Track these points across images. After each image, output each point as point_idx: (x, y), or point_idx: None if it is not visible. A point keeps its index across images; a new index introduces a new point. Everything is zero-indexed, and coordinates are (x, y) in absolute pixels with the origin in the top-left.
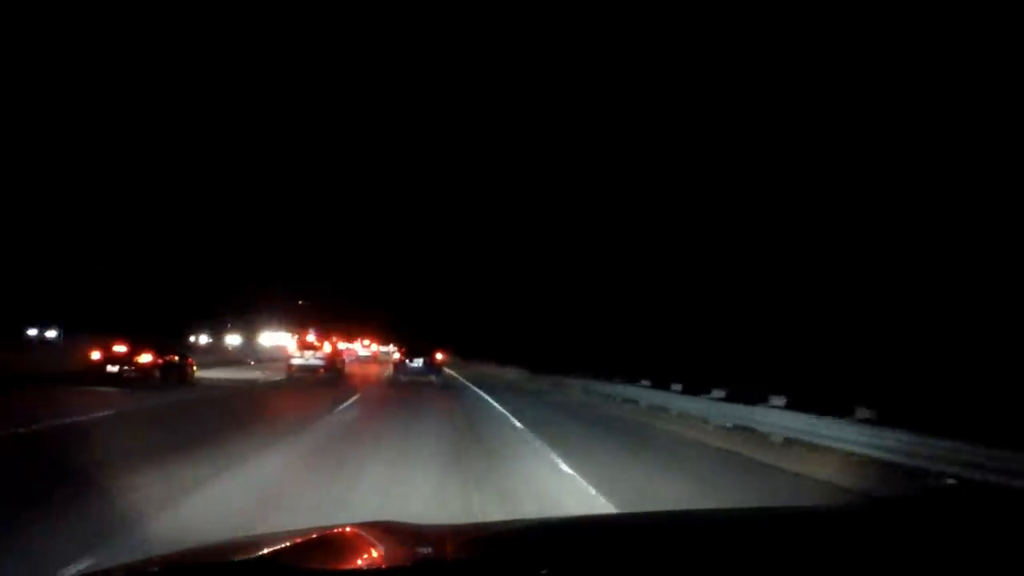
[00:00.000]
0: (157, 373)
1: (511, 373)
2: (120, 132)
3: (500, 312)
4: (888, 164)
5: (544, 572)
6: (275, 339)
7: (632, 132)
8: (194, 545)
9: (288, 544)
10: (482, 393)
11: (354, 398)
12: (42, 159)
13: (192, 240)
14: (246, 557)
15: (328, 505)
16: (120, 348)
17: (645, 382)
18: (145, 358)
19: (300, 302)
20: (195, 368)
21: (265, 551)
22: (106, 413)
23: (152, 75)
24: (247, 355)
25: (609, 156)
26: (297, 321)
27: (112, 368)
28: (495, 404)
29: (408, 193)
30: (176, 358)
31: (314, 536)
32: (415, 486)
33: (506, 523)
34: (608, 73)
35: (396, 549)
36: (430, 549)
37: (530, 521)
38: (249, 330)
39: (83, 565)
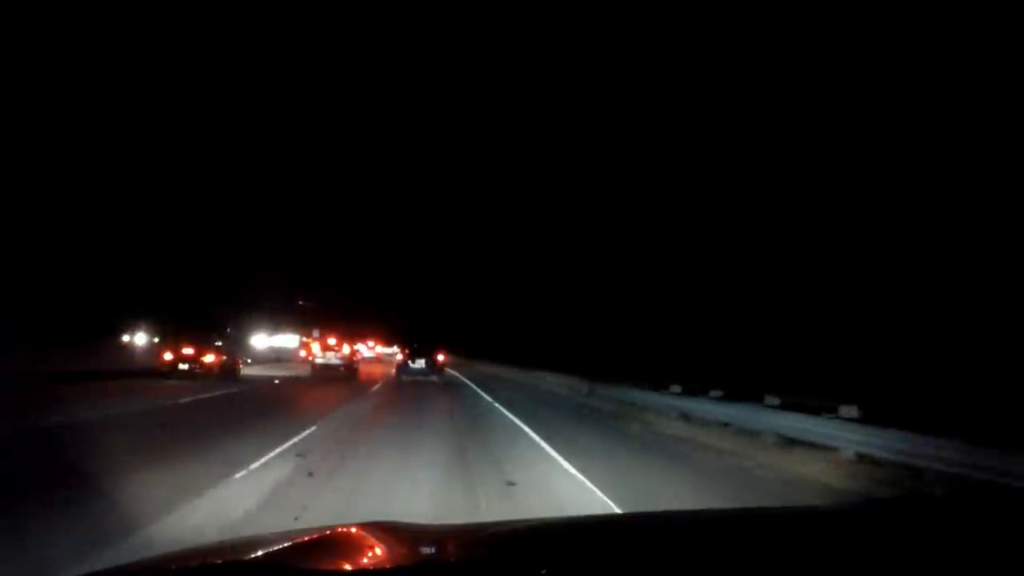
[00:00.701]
0: (217, 370)
1: (545, 380)
2: (120, 134)
3: (519, 310)
4: (877, 169)
5: (544, 572)
6: (269, 340)
7: (633, 133)
8: (195, 545)
9: (289, 544)
10: (522, 424)
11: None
12: (44, 163)
13: (187, 241)
14: (246, 557)
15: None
16: (188, 350)
17: (850, 410)
18: (209, 358)
19: (300, 302)
20: (242, 366)
21: (266, 551)
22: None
23: (153, 79)
24: (242, 355)
25: (621, 143)
26: (297, 321)
27: (183, 366)
28: (557, 457)
29: (412, 191)
30: (226, 357)
31: (315, 536)
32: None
33: (506, 523)
34: (608, 73)
35: (397, 549)
36: (431, 549)
37: (530, 521)
38: (244, 331)
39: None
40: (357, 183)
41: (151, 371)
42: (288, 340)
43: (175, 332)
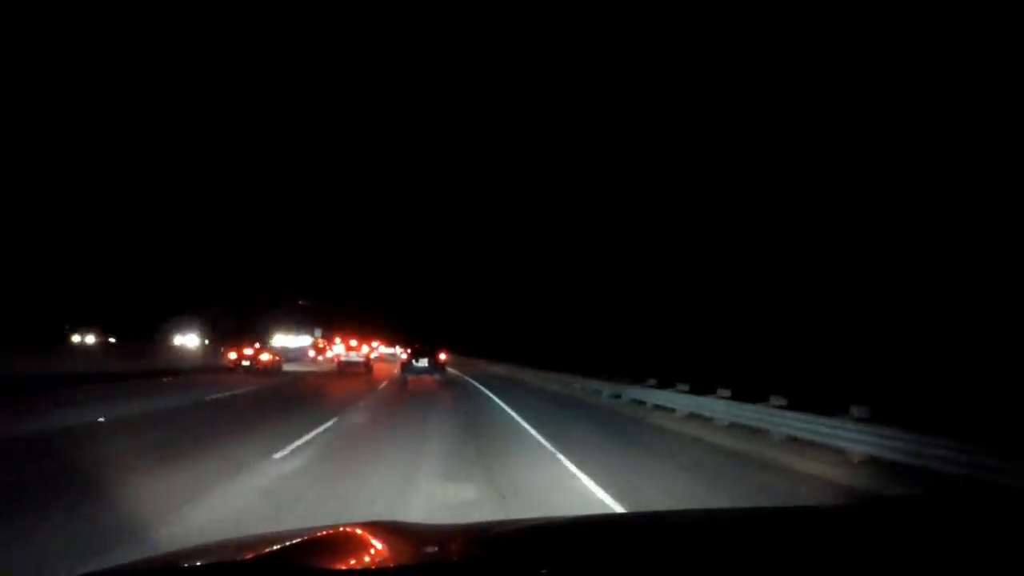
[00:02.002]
0: (269, 367)
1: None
2: (126, 141)
3: (517, 311)
4: (884, 167)
5: (544, 572)
6: (283, 341)
7: (635, 132)
8: (195, 545)
9: (289, 544)
10: None
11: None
12: (48, 170)
13: (193, 244)
14: (247, 557)
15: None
16: (248, 351)
17: None
18: (264, 357)
19: (300, 302)
20: (283, 363)
21: (266, 551)
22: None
23: (159, 83)
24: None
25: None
26: (297, 322)
27: (245, 363)
28: None
29: (413, 193)
30: (274, 356)
31: (315, 536)
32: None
33: (507, 523)
34: (608, 73)
35: (397, 549)
36: (431, 549)
37: (531, 521)
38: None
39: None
40: (358, 184)
41: (219, 367)
42: (297, 341)
43: (235, 337)
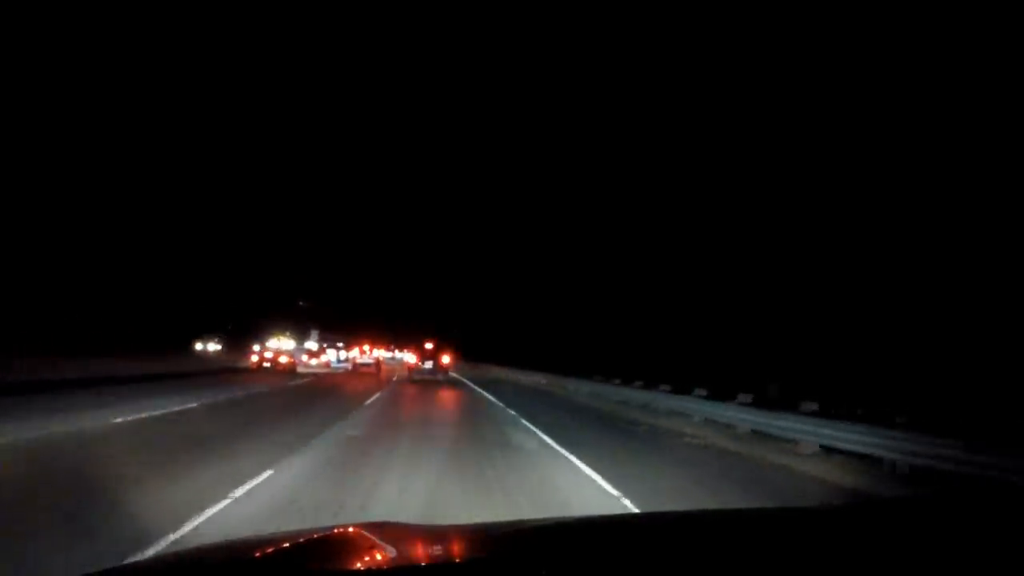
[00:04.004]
0: (287, 368)
1: None
2: (129, 146)
3: (514, 313)
4: (873, 168)
5: (544, 572)
6: (284, 343)
7: (634, 133)
8: (196, 546)
9: (289, 544)
10: None
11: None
12: (51, 178)
13: (196, 248)
14: (247, 557)
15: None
16: (268, 354)
17: None
18: (284, 359)
19: (300, 303)
20: (297, 365)
21: (266, 551)
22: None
23: (160, 83)
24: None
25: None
26: (294, 324)
27: (266, 364)
28: None
29: (415, 195)
30: (291, 358)
31: (315, 536)
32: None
33: (507, 523)
34: (608, 73)
35: (397, 549)
36: (432, 549)
37: (531, 521)
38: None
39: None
40: (360, 186)
41: (238, 368)
42: (302, 343)
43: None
